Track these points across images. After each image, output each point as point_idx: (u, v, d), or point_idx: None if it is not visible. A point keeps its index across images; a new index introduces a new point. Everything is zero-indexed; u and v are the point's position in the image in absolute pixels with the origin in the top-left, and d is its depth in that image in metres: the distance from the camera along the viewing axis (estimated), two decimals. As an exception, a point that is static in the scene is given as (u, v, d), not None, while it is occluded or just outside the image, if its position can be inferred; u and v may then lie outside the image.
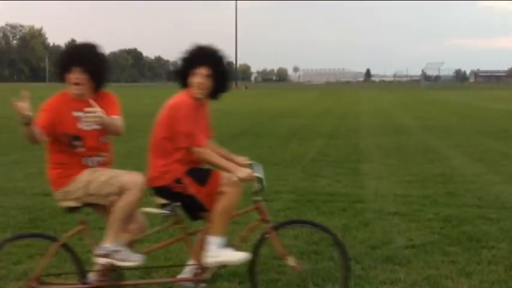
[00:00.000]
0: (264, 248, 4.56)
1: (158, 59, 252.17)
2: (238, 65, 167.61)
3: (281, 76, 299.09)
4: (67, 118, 4.29)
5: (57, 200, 4.41)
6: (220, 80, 4.42)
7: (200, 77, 4.33)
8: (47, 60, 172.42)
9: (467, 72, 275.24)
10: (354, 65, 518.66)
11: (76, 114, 4.30)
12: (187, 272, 4.56)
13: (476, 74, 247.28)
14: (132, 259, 4.29)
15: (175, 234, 4.69)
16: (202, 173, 4.37)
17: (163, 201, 4.39)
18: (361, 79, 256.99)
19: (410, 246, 5.86)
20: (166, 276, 4.86)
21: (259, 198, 4.40)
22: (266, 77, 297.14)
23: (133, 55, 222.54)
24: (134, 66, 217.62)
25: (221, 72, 4.40)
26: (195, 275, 4.46)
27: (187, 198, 4.36)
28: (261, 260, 4.65)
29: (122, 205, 4.23)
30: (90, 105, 4.18)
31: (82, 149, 4.33)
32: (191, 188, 4.32)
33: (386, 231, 6.47)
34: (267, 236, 4.43)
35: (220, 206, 4.28)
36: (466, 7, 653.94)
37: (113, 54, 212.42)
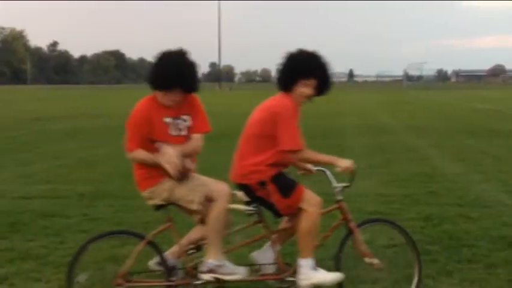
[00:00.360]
0: (348, 246, 4.60)
1: (141, 61, 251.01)
2: (221, 66, 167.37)
3: (265, 77, 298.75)
4: (158, 125, 4.31)
5: (144, 198, 4.45)
6: (323, 89, 4.50)
7: (309, 89, 4.41)
8: (28, 62, 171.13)
9: (449, 72, 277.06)
10: (337, 65, 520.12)
11: (166, 120, 4.34)
12: (269, 269, 4.58)
13: (457, 73, 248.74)
14: (237, 272, 4.33)
15: (259, 233, 4.69)
16: (288, 184, 4.38)
17: (247, 198, 4.44)
18: (344, 79, 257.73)
19: (391, 245, 5.89)
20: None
21: (341, 197, 4.48)
22: (250, 78, 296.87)
23: (116, 57, 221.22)
24: (117, 67, 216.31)
25: (325, 82, 4.48)
26: (278, 273, 4.50)
27: (267, 205, 4.40)
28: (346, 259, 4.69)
29: (213, 218, 4.28)
30: (180, 112, 4.34)
31: None
32: (274, 196, 4.34)
33: (367, 231, 6.49)
34: (350, 235, 4.52)
35: (303, 227, 4.33)
36: (448, 7, 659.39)
37: (96, 55, 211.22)
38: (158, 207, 4.43)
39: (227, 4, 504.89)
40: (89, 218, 7.37)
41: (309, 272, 4.32)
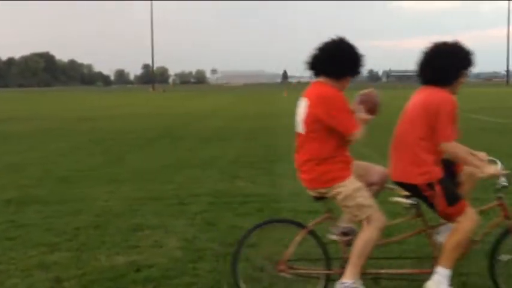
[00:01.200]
0: (505, 244, 4.50)
1: (72, 62, 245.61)
2: (155, 67, 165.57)
3: (199, 78, 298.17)
4: None
5: (309, 189, 4.51)
6: None
7: (465, 78, 4.47)
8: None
9: (380, 72, 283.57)
10: (272, 66, 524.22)
11: None
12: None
13: (388, 74, 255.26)
14: None
15: (416, 227, 4.71)
16: (454, 192, 4.36)
17: (407, 193, 4.45)
18: (279, 80, 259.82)
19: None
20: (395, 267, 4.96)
21: (502, 194, 4.43)
22: (184, 79, 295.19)
23: (46, 58, 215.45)
24: (46, 70, 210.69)
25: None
26: (430, 267, 4.49)
27: (429, 205, 4.38)
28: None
29: (362, 241, 4.30)
30: None
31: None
32: (438, 199, 4.30)
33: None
34: (508, 233, 4.45)
35: (454, 239, 4.30)
36: (378, 8, 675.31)
37: (24, 58, 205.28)
38: (318, 199, 4.53)
39: (160, 5, 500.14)
40: (16, 224, 7.13)
41: (442, 283, 4.31)
